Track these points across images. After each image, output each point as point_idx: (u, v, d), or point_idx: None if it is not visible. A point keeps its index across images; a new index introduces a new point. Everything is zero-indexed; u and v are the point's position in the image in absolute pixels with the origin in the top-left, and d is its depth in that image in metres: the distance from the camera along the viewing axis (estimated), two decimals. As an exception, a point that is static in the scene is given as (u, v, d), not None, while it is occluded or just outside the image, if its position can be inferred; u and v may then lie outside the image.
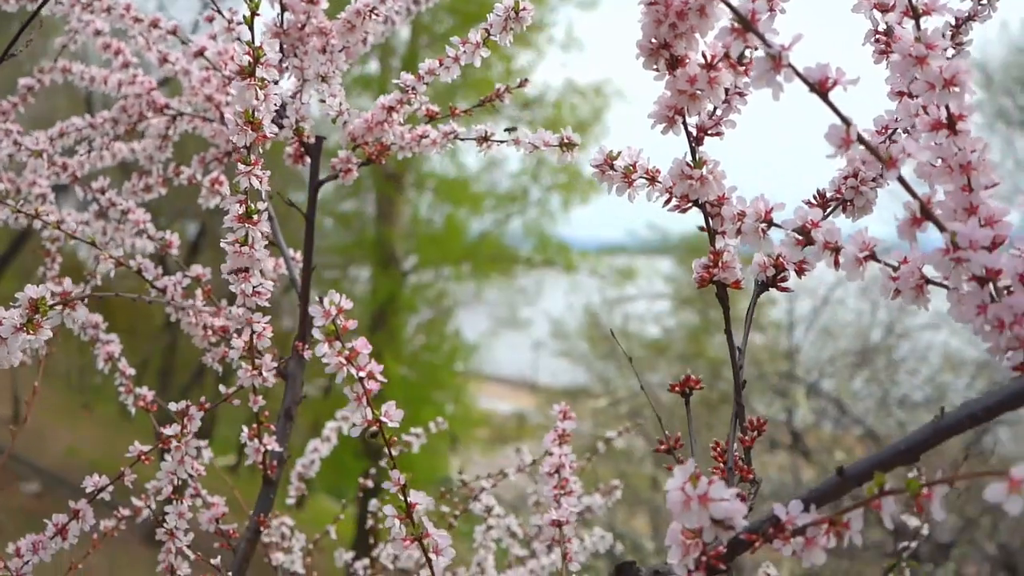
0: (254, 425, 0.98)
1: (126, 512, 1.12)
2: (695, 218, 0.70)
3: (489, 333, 12.28)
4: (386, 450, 0.66)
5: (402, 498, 0.66)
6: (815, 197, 0.70)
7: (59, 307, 0.70)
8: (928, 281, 0.56)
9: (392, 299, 11.11)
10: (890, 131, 0.69)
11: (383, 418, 0.64)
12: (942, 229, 0.52)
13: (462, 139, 1.00)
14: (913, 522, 1.16)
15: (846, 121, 0.52)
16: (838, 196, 0.70)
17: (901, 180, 0.53)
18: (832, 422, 6.69)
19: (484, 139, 0.98)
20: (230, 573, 0.96)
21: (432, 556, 0.66)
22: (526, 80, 1.04)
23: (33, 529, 0.96)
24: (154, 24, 1.11)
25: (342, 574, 1.57)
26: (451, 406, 11.01)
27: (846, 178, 0.69)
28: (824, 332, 7.29)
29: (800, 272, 0.68)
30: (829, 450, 6.40)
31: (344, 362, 0.63)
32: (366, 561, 1.32)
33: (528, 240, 12.02)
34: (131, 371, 1.11)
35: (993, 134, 9.76)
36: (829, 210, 0.70)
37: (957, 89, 0.54)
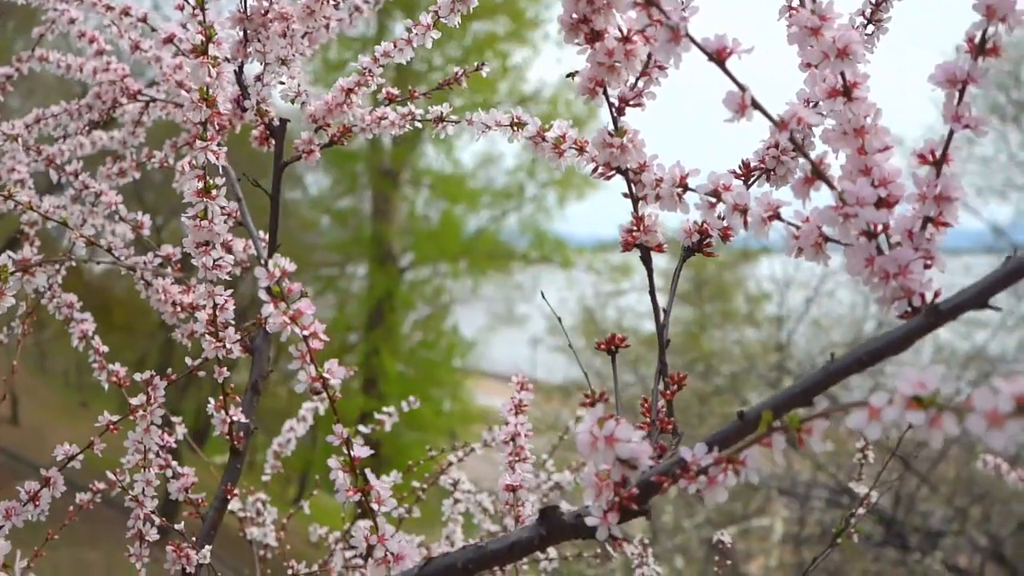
0: (220, 397, 1.01)
1: (100, 485, 1.16)
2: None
3: (486, 329, 12.32)
4: (330, 405, 0.69)
5: (346, 451, 0.70)
6: (740, 167, 0.74)
7: (18, 274, 0.74)
8: (827, 239, 0.60)
9: (389, 296, 11.15)
10: (811, 103, 0.73)
11: (326, 375, 0.68)
12: (832, 187, 0.56)
13: (419, 120, 1.03)
14: (861, 490, 1.20)
15: (742, 88, 0.55)
16: (761, 165, 0.73)
17: (792, 141, 0.56)
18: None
19: (440, 119, 1.02)
20: (195, 538, 1.00)
21: (375, 506, 0.70)
22: (483, 64, 1.07)
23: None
24: (125, 12, 1.14)
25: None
26: (449, 403, 11.05)
27: (768, 148, 0.73)
28: (816, 325, 7.34)
29: (725, 238, 0.72)
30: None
31: (288, 321, 0.67)
32: (338, 534, 1.36)
33: (524, 236, 12.08)
34: (104, 348, 1.14)
35: (987, 128, 9.75)
36: (752, 179, 0.73)
37: (850, 58, 0.58)
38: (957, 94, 0.56)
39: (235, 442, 1.04)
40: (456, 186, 11.91)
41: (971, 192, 9.13)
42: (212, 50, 0.78)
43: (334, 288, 11.73)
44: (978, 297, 0.52)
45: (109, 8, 1.16)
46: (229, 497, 1.04)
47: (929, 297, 0.55)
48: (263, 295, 0.67)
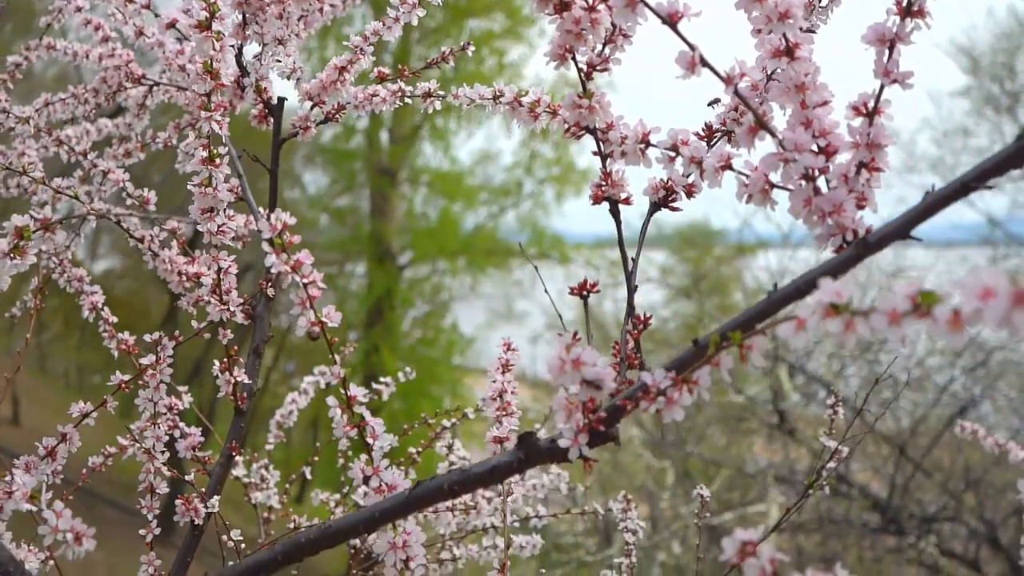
0: (224, 359, 1.08)
1: (112, 449, 1.22)
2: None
3: (485, 326, 12.38)
4: (329, 352, 0.76)
5: (343, 391, 0.76)
6: (703, 128, 0.80)
7: (41, 232, 0.80)
8: (772, 185, 0.66)
9: (388, 294, 11.21)
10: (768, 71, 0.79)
11: (324, 319, 0.74)
12: (773, 136, 0.63)
13: (409, 96, 1.10)
14: (831, 443, 1.27)
15: (692, 47, 0.62)
16: (723, 127, 0.80)
17: (737, 94, 0.63)
18: (819, 404, 6.82)
19: (428, 95, 1.08)
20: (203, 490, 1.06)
21: (370, 441, 0.76)
22: (469, 43, 1.14)
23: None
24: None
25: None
26: (449, 400, 11.11)
27: (729, 111, 0.79)
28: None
29: (689, 194, 0.78)
30: (816, 429, 6.53)
31: (290, 270, 0.73)
32: (338, 496, 1.43)
33: (523, 233, 12.14)
34: (114, 319, 1.21)
35: (982, 119, 9.86)
36: (715, 140, 0.80)
37: (791, 21, 0.64)
38: (887, 51, 0.63)
39: (239, 402, 1.10)
40: (454, 184, 11.98)
41: (966, 183, 9.18)
42: (215, 25, 0.85)
43: (333, 286, 11.79)
44: (901, 229, 0.58)
45: (115, -5, 1.22)
46: (234, 454, 1.10)
47: (861, 233, 0.61)
48: (266, 247, 0.73)
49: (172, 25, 1.17)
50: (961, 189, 0.56)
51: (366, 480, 0.75)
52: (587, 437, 0.65)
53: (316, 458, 1.56)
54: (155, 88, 1.32)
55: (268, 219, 0.72)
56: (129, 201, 1.22)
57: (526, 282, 12.44)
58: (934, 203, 0.57)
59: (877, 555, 6.39)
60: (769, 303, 0.61)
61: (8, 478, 0.78)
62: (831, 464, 1.22)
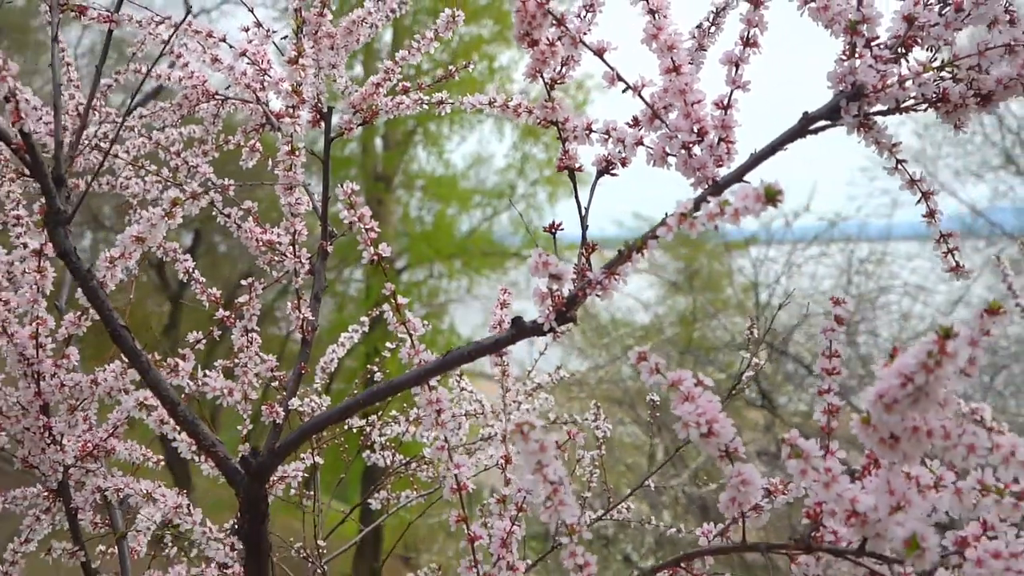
0: (295, 300, 1.46)
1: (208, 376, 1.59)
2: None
3: (483, 327, 12.74)
4: (383, 271, 1.14)
5: (393, 301, 1.14)
6: (632, 119, 1.18)
7: (190, 200, 1.18)
8: (667, 153, 1.04)
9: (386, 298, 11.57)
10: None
11: (380, 251, 1.13)
12: (663, 122, 1.01)
13: (426, 104, 1.48)
14: (755, 363, 1.64)
15: (612, 68, 1.00)
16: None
17: (640, 97, 1.01)
18: (795, 385, 7.23)
19: (441, 103, 1.47)
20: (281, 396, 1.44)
21: (411, 332, 1.14)
22: (470, 62, 1.52)
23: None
24: (209, 34, 1.58)
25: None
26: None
27: (645, 109, 1.17)
28: (790, 296, 7.80)
29: (623, 164, 1.16)
30: (795, 405, 6.93)
31: (356, 220, 1.11)
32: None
33: (517, 234, 12.52)
34: (202, 279, 1.58)
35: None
36: (639, 127, 1.18)
37: (676, 50, 1.02)
38: (734, 68, 1.01)
39: (305, 334, 1.48)
40: (448, 187, 12.35)
41: (948, 174, 9.59)
42: (302, 60, 1.23)
43: (332, 291, 12.15)
44: (736, 177, 0.96)
45: (196, 32, 1.60)
46: (304, 372, 1.48)
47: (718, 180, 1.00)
48: (340, 204, 1.11)
49: (243, 53, 1.55)
50: (770, 150, 0.95)
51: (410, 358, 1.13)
52: (555, 315, 1.03)
53: (355, 392, 1.93)
54: (226, 102, 1.70)
55: (341, 186, 1.11)
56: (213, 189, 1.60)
57: (521, 283, 12.81)
58: (755, 160, 0.95)
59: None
60: (661, 224, 0.99)
61: (175, 364, 1.15)
62: (749, 373, 1.60)
